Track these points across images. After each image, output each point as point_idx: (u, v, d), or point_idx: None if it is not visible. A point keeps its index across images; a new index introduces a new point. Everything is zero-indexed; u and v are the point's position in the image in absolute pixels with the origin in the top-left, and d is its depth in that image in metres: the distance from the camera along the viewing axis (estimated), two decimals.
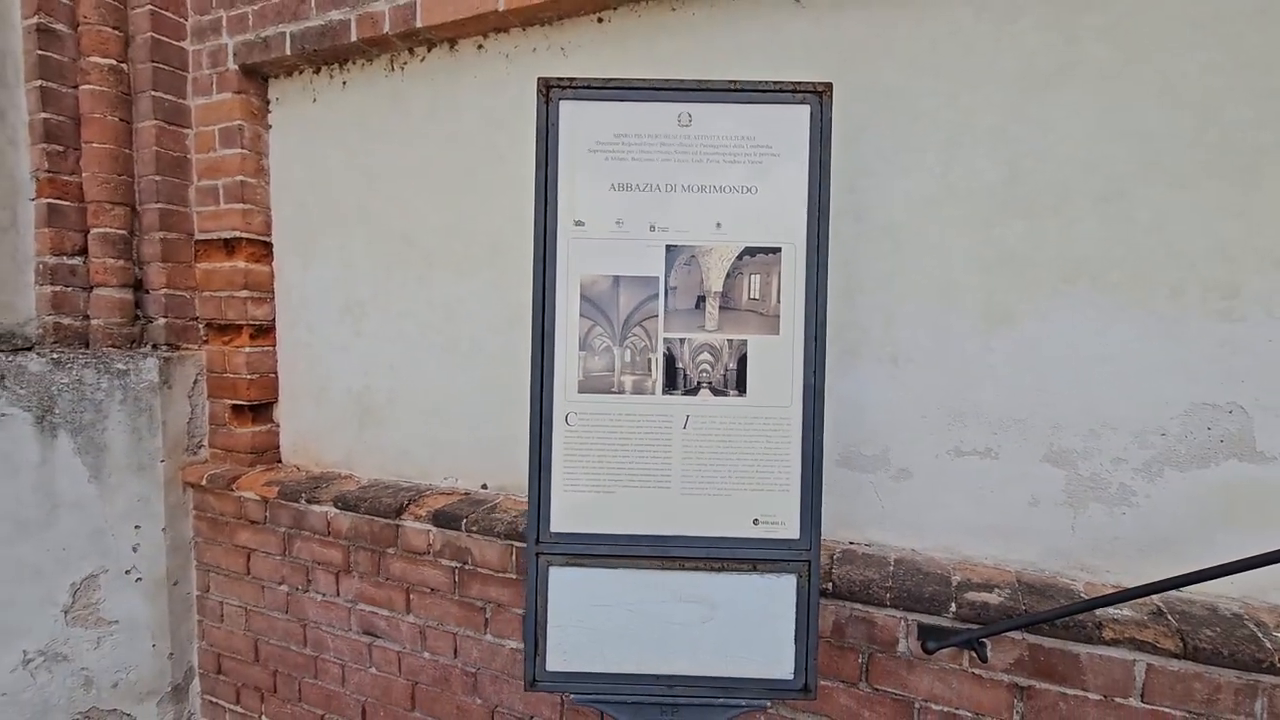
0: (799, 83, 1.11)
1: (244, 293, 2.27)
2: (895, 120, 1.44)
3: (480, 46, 1.88)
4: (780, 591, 1.14)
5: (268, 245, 2.32)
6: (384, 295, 2.14)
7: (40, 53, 2.09)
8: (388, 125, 2.08)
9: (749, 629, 1.15)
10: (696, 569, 1.15)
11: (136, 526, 2.25)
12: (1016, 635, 1.25)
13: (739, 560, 1.14)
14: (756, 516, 1.14)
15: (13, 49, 2.10)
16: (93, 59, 2.14)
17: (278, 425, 2.41)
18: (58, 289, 2.18)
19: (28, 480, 2.11)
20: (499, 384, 1.96)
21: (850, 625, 1.39)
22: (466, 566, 1.84)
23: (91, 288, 2.23)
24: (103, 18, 2.13)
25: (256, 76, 2.23)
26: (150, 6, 2.16)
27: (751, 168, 1.12)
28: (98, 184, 2.18)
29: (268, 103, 2.28)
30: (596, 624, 1.17)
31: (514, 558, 1.76)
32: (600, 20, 1.72)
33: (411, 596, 1.95)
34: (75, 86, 2.17)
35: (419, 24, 1.84)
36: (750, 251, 1.13)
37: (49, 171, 2.13)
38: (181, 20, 2.24)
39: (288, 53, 2.07)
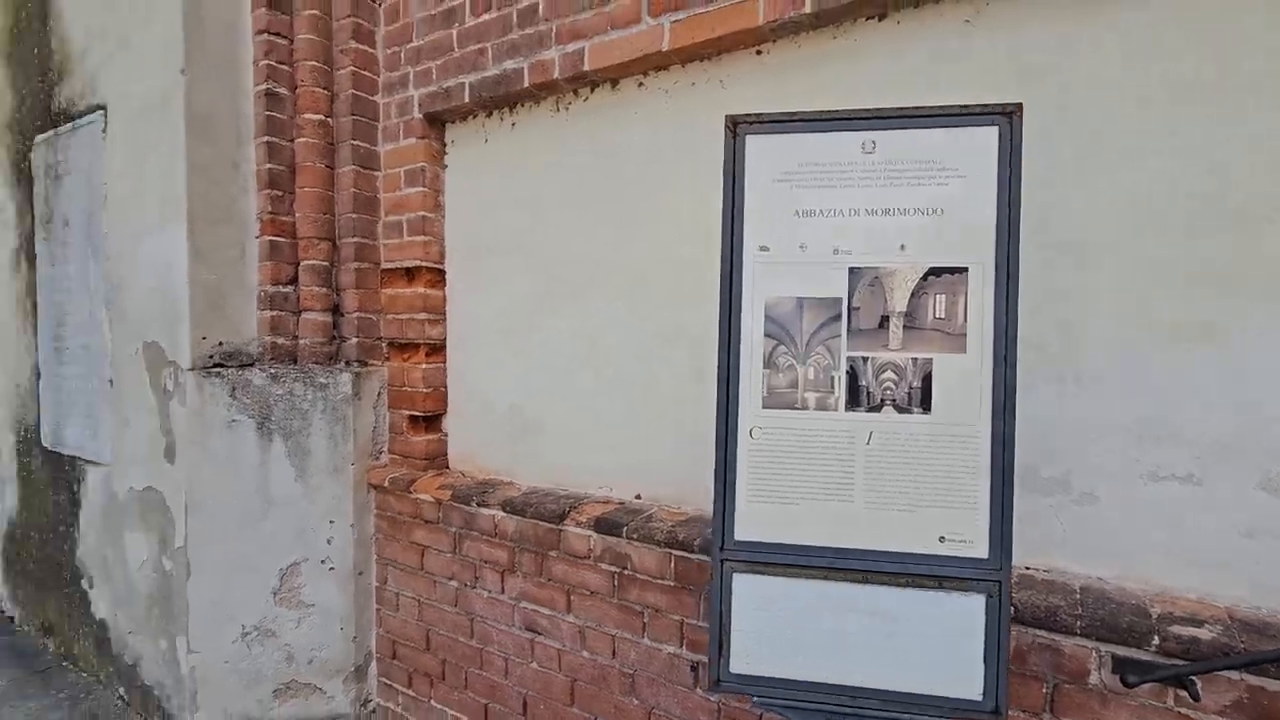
0: (986, 105, 1.13)
1: (421, 315, 2.53)
2: (1079, 134, 1.40)
3: (641, 84, 2.02)
4: (968, 610, 1.14)
5: (442, 272, 2.58)
6: (540, 318, 2.32)
7: (267, 113, 2.47)
8: (550, 161, 2.26)
9: (934, 646, 1.15)
10: (879, 583, 1.18)
11: (331, 522, 2.55)
12: (1234, 675, 1.17)
13: (924, 577, 1.15)
14: (943, 534, 1.15)
15: (246, 112, 2.49)
16: (306, 116, 2.49)
17: (446, 435, 2.65)
18: (275, 313, 2.53)
19: (251, 479, 2.46)
20: (647, 401, 2.07)
21: (1033, 652, 1.35)
22: (625, 571, 1.94)
23: (300, 312, 2.57)
24: (315, 80, 2.48)
25: (437, 123, 2.50)
26: (351, 68, 2.49)
27: (937, 190, 1.15)
28: (308, 222, 2.53)
29: (445, 145, 2.55)
30: (777, 631, 1.22)
31: (672, 565, 1.84)
32: (759, 53, 1.80)
33: (572, 597, 2.08)
34: (292, 140, 2.53)
35: (586, 67, 2.00)
36: (935, 272, 1.15)
37: (271, 213, 2.50)
38: (375, 77, 2.56)
39: (466, 100, 2.31)
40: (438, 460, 2.62)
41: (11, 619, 3.52)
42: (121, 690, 2.79)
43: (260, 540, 2.48)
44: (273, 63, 2.46)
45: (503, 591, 2.25)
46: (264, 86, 2.45)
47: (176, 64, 2.33)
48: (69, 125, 2.85)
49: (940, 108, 1.15)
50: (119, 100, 2.62)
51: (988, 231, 1.13)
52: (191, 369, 2.38)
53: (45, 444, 3.16)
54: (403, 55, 2.50)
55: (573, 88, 2.15)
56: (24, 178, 3.19)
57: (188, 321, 2.38)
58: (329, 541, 2.55)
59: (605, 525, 1.96)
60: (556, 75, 2.07)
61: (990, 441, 1.12)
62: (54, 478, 3.13)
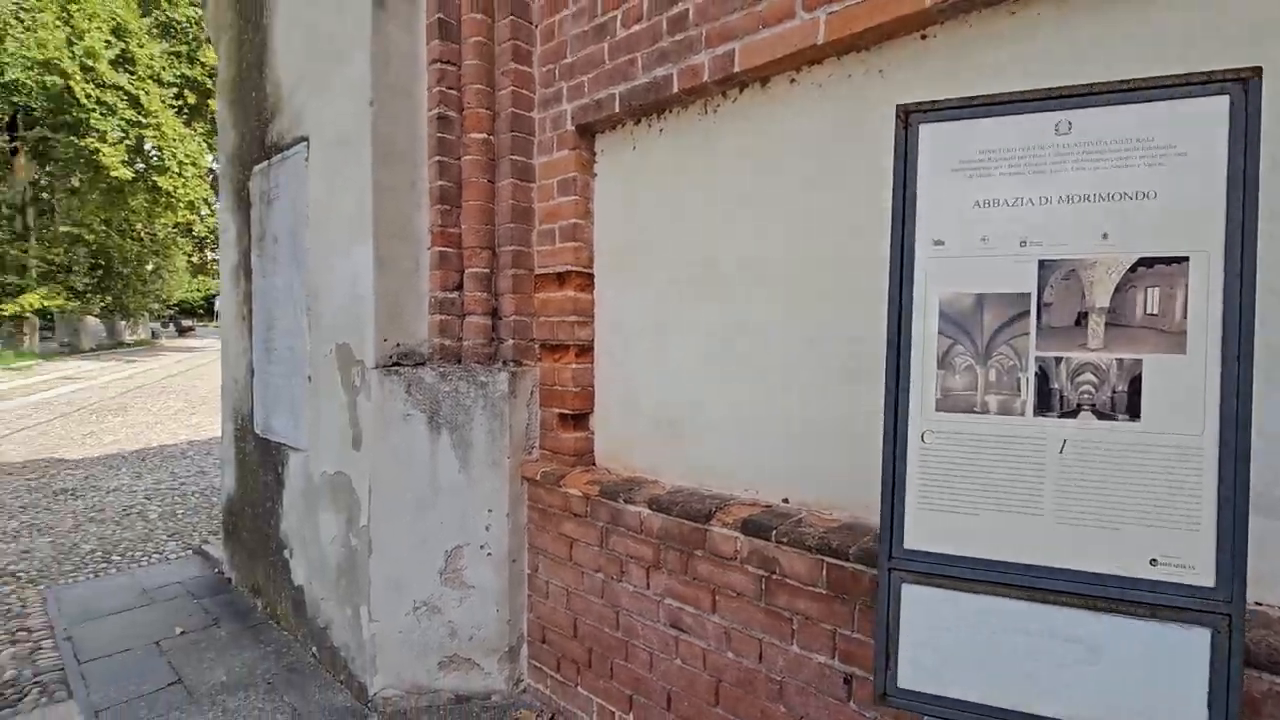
0: (1212, 72, 0.99)
1: (571, 317, 2.66)
2: None
3: (793, 80, 1.99)
4: (1188, 645, 1.00)
5: (590, 276, 2.70)
6: (687, 319, 2.34)
7: (439, 135, 2.71)
8: (698, 163, 2.29)
9: (1143, 682, 1.03)
10: (1073, 605, 1.07)
11: (489, 511, 2.74)
12: None
13: (1132, 603, 1.03)
14: (1155, 557, 1.02)
15: (421, 135, 2.75)
16: (472, 135, 2.71)
17: (593, 432, 2.76)
18: (443, 317, 2.77)
19: (423, 468, 2.71)
20: (798, 403, 2.02)
21: (1270, 701, 1.16)
22: (774, 576, 1.91)
23: (464, 316, 2.79)
24: (479, 102, 2.69)
25: (588, 133, 2.62)
26: (511, 88, 2.67)
27: (1148, 171, 1.02)
28: (472, 233, 2.74)
29: (595, 155, 2.66)
30: (952, 648, 1.15)
31: (825, 572, 1.79)
32: (924, 37, 1.71)
33: (717, 598, 2.08)
34: (459, 158, 2.76)
35: (737, 68, 2.01)
36: (1146, 263, 1.03)
37: (440, 226, 2.74)
38: (531, 95, 2.73)
39: (616, 110, 2.40)
40: (585, 457, 2.73)
41: (229, 580, 4.12)
42: (314, 649, 3.17)
43: (429, 524, 2.71)
44: (444, 88, 2.70)
45: (648, 587, 2.30)
46: (436, 111, 2.70)
47: (366, 97, 2.62)
48: (279, 156, 3.30)
49: (1152, 79, 1.03)
50: (318, 132, 2.99)
51: (1213, 216, 0.99)
52: (375, 367, 2.67)
53: (257, 431, 3.68)
54: (557, 72, 2.64)
55: (721, 90, 2.16)
56: (243, 203, 3.74)
57: (372, 325, 2.66)
58: (487, 529, 2.74)
59: (753, 527, 1.95)
60: (706, 78, 2.09)
61: (1218, 455, 0.98)
62: (264, 461, 3.63)
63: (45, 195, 23.29)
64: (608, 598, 2.46)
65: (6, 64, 18.42)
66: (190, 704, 2.83)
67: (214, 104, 22.89)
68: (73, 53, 18.34)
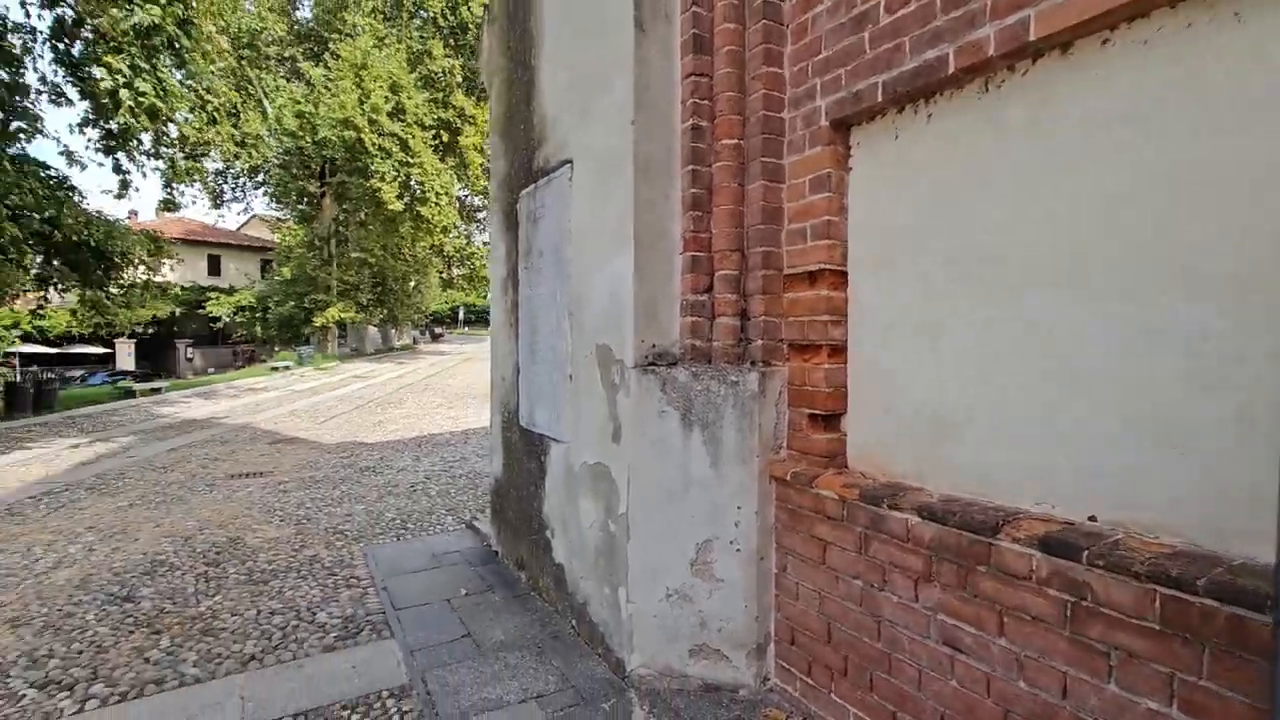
0: None
1: (824, 316, 2.62)
2: None
3: (1106, 41, 1.76)
4: None
5: (843, 274, 2.63)
6: (964, 315, 2.18)
7: (692, 145, 2.84)
8: (974, 145, 2.12)
9: None
10: None
11: (738, 507, 2.80)
12: None
13: None
14: None
15: (675, 148, 2.91)
16: (723, 142, 2.80)
17: (845, 434, 2.68)
18: (694, 319, 2.90)
19: (675, 461, 2.85)
20: (1113, 412, 1.77)
21: None
22: (1084, 602, 1.70)
23: (714, 317, 2.89)
24: (731, 108, 2.77)
25: (843, 128, 2.57)
26: (762, 90, 2.71)
27: None
28: (722, 237, 2.83)
29: (850, 149, 2.59)
30: None
31: (1157, 604, 1.54)
32: None
33: (1005, 620, 1.90)
34: (710, 166, 2.86)
35: (1031, 36, 1.82)
36: None
37: (692, 232, 2.87)
38: (781, 95, 2.74)
39: (878, 99, 2.32)
40: (836, 459, 2.67)
41: (496, 553, 4.72)
42: (573, 621, 3.50)
43: (681, 516, 2.85)
44: (696, 100, 2.82)
45: (915, 599, 2.18)
46: (690, 123, 2.83)
47: (627, 117, 2.84)
48: (544, 179, 3.71)
49: None
50: (580, 155, 3.30)
51: None
52: (633, 367, 2.87)
53: (522, 424, 4.16)
54: (809, 69, 2.62)
55: (1008, 64, 1.98)
56: (511, 223, 4.27)
57: (631, 328, 2.87)
58: (736, 525, 2.80)
59: (1056, 546, 1.75)
60: (991, 53, 1.93)
61: None
62: (527, 450, 4.10)
63: (341, 229, 28.71)
64: (867, 606, 2.37)
65: (319, 125, 23.07)
66: (479, 655, 3.28)
67: (463, 140, 26.50)
68: (362, 110, 22.41)
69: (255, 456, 8.83)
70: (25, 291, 10.11)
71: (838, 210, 2.59)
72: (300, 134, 23.70)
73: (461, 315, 55.64)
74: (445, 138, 26.99)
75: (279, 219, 31.06)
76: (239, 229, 42.63)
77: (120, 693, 3.03)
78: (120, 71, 8.03)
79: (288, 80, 26.15)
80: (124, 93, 8.08)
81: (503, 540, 4.60)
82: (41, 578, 4.46)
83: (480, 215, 36.53)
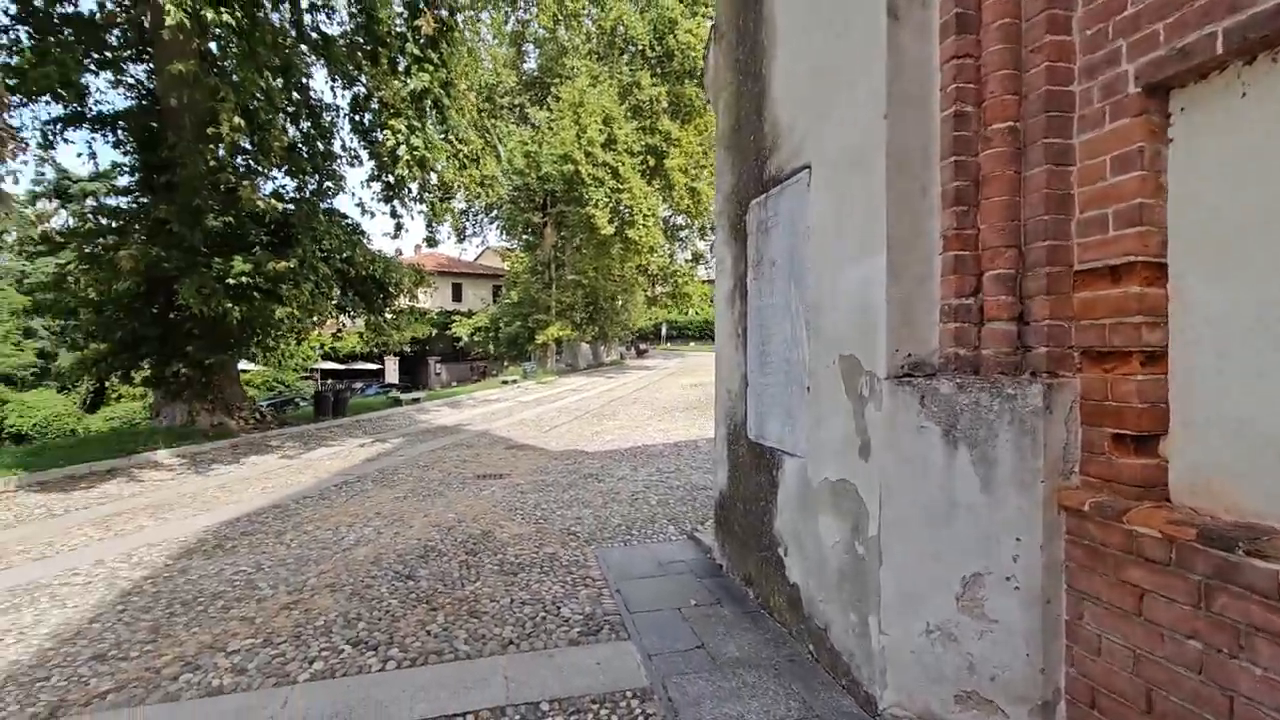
0: None
1: (1135, 318, 2.19)
2: None
3: None
4: None
5: (1160, 266, 2.19)
6: None
7: (954, 134, 2.58)
8: None
9: None
10: None
11: (1017, 539, 2.45)
12: None
13: None
14: None
15: (933, 138, 2.67)
16: (994, 127, 2.50)
17: (1163, 459, 2.21)
18: (957, 325, 2.61)
19: (937, 484, 2.58)
20: None
21: None
22: None
23: (982, 323, 2.59)
24: (1004, 88, 2.47)
25: (1159, 93, 2.15)
26: (1045, 64, 2.37)
27: None
28: (993, 232, 2.52)
29: (1167, 117, 2.16)
30: None
31: None
32: None
33: None
34: (977, 154, 2.58)
35: None
36: None
37: (955, 229, 2.60)
38: (1070, 66, 2.38)
39: (1217, 51, 1.90)
40: (1154, 489, 2.21)
41: (720, 566, 4.70)
42: (810, 646, 3.33)
43: (943, 543, 2.57)
44: (960, 84, 2.57)
45: None
46: (952, 109, 2.58)
47: (879, 110, 2.67)
48: (776, 188, 3.65)
49: None
50: (819, 158, 3.19)
51: None
52: (886, 378, 2.66)
53: (750, 436, 4.11)
54: (1109, 30, 2.24)
55: None
56: (739, 234, 4.27)
57: (883, 336, 2.67)
58: (1014, 559, 2.45)
59: None
60: None
61: None
62: (756, 463, 4.03)
63: (559, 254, 31.43)
64: (1210, 674, 1.91)
65: (542, 162, 25.58)
66: (715, 668, 3.26)
67: (668, 163, 27.60)
68: (579, 143, 24.40)
69: (495, 460, 9.88)
70: (330, 317, 12.47)
71: (1153, 191, 2.17)
72: (527, 172, 26.49)
73: (664, 331, 57.70)
74: (651, 162, 28.34)
75: (508, 249, 34.96)
76: (475, 259, 48.80)
77: (410, 658, 3.49)
78: (400, 131, 9.65)
79: (517, 125, 29.42)
80: (402, 149, 9.69)
81: (728, 554, 4.56)
82: (346, 553, 5.37)
83: (682, 234, 37.71)
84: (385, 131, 9.90)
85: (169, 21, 6.67)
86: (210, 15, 6.98)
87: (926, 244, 2.68)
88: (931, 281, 2.69)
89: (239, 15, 7.92)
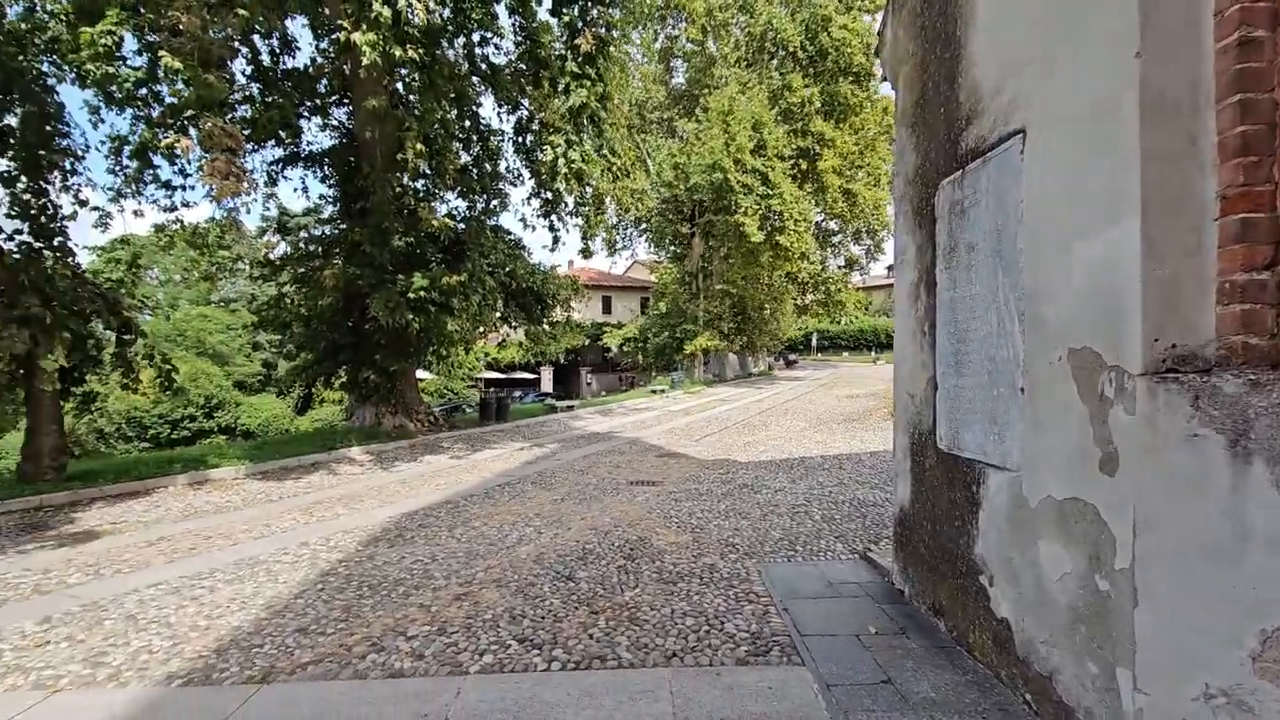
0: None
1: None
2: None
3: None
4: None
5: None
6: None
7: (1236, 67, 2.05)
8: None
9: None
10: None
11: None
12: None
13: None
14: None
15: (1203, 76, 2.14)
16: None
17: None
18: (1244, 307, 2.06)
19: (1216, 505, 2.04)
20: None
21: None
22: None
23: None
24: None
25: None
26: None
27: None
28: None
29: None
30: None
31: None
32: None
33: None
34: (1271, 90, 2.02)
35: None
36: None
37: (1241, 185, 2.05)
38: None
39: None
40: None
41: (901, 592, 4.22)
42: (1026, 695, 2.82)
43: (1230, 584, 2.01)
44: (1244, 4, 2.03)
45: None
46: (1234, 36, 2.05)
47: (1128, 50, 2.19)
48: (976, 162, 3.19)
49: None
50: (1039, 119, 2.72)
51: None
52: (1141, 374, 2.16)
53: (940, 447, 3.63)
54: None
55: None
56: (925, 221, 3.82)
57: (1137, 323, 2.17)
58: None
59: None
60: None
61: None
62: (948, 477, 3.55)
63: (706, 264, 31.38)
64: None
65: (691, 173, 25.73)
66: (906, 708, 2.86)
67: (821, 165, 26.61)
68: (728, 151, 24.23)
69: (647, 467, 9.88)
70: (494, 328, 13.32)
71: None
72: (675, 183, 26.76)
73: (815, 341, 55.64)
74: (804, 165, 27.48)
75: (655, 261, 35.51)
76: (624, 273, 50.27)
77: (574, 661, 3.44)
78: (559, 145, 10.08)
79: (666, 139, 29.90)
80: (560, 162, 10.11)
81: (911, 578, 4.08)
82: (510, 550, 5.54)
83: (835, 239, 36.14)
84: (545, 148, 10.39)
85: (365, 61, 7.47)
86: (398, 53, 7.72)
87: (1195, 208, 2.15)
88: (1203, 254, 2.14)
89: (421, 52, 8.69)
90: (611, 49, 10.49)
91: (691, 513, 6.63)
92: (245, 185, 7.05)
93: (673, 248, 32.49)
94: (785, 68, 28.93)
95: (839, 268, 36.47)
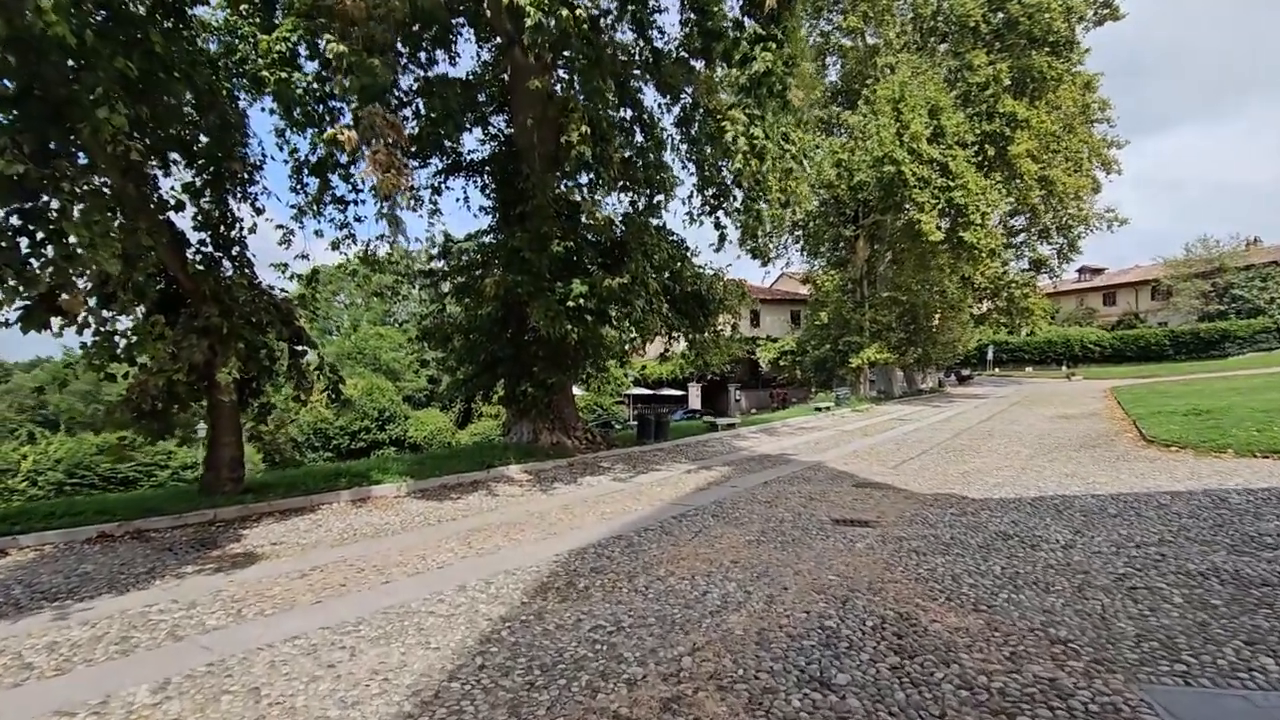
0: None
1: None
2: None
3: None
4: None
5: None
6: None
7: None
8: None
9: None
10: None
11: None
12: None
13: None
14: None
15: None
16: None
17: None
18: None
19: None
20: None
21: None
22: None
23: None
24: None
25: None
26: None
27: None
28: None
29: None
30: None
31: None
32: None
33: None
34: None
35: None
36: None
37: None
38: None
39: None
40: None
41: None
42: None
43: None
44: None
45: None
46: None
47: None
48: None
49: None
50: None
51: None
52: None
53: None
54: None
55: None
56: None
57: None
58: None
59: None
60: None
61: None
62: None
63: (870, 270, 28.55)
64: None
65: (855, 169, 23.38)
66: None
67: (1013, 149, 23.10)
68: (901, 141, 21.63)
69: (847, 500, 8.08)
70: (659, 334, 12.16)
71: None
72: (837, 183, 24.48)
73: (990, 355, 49.59)
74: (990, 151, 24.07)
75: (809, 271, 32.90)
76: (772, 285, 48.01)
77: None
78: (740, 121, 8.72)
79: (826, 136, 27.65)
80: (741, 140, 8.75)
81: None
82: (716, 619, 4.09)
83: (1018, 238, 31.66)
84: (725, 125, 9.05)
85: (529, 24, 6.61)
86: (564, 13, 6.80)
87: None
88: None
89: (585, 26, 7.73)
90: (800, 4, 8.98)
91: (953, 574, 4.80)
92: (407, 180, 6.38)
93: (834, 253, 29.93)
94: (962, 46, 25.69)
95: (1023, 270, 31.84)
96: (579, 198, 10.56)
